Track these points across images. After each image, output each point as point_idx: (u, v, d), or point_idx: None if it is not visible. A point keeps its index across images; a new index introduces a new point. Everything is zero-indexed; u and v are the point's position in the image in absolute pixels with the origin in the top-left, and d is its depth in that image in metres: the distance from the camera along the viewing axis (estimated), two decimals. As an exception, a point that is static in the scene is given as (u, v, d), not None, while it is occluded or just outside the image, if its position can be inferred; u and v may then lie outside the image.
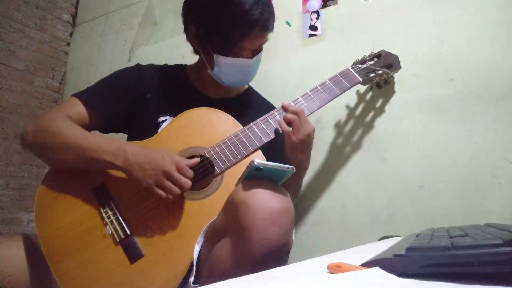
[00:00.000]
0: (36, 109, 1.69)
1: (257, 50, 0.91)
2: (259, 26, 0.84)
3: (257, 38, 0.87)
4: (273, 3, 1.27)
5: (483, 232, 0.46)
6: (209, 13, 0.85)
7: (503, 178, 0.86)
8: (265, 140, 0.86)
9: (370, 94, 1.07)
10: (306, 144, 0.85)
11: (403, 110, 1.01)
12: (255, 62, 0.91)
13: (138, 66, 0.99)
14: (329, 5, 1.18)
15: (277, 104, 1.08)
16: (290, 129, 0.83)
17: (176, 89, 0.98)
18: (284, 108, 0.86)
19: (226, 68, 0.89)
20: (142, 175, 0.75)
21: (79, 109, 0.89)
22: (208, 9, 0.85)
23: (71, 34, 1.88)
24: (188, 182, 0.76)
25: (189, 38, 0.94)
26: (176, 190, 0.75)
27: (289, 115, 0.83)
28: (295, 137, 0.82)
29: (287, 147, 0.86)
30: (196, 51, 0.97)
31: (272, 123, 0.87)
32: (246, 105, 1.03)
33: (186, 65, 1.05)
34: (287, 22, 1.25)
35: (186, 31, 0.94)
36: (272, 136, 0.86)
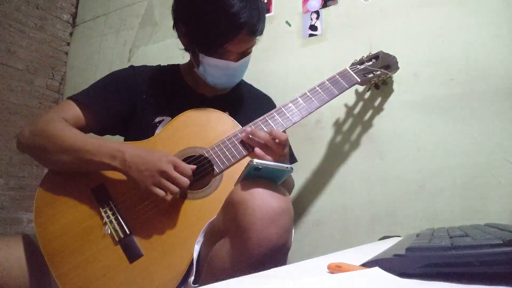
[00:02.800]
0: (36, 109, 1.69)
1: (244, 54, 0.90)
2: (245, 30, 0.83)
3: (243, 42, 0.86)
4: (273, 3, 1.26)
5: (483, 232, 0.46)
6: (197, 12, 0.85)
7: (503, 178, 0.86)
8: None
9: (370, 95, 1.07)
10: (286, 155, 0.87)
11: (403, 110, 1.01)
12: (241, 66, 0.90)
13: (132, 67, 0.99)
14: (329, 5, 1.18)
15: (277, 102, 1.08)
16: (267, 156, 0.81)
17: (171, 89, 0.98)
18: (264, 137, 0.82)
19: (210, 68, 0.89)
20: (139, 175, 0.75)
21: (75, 111, 0.88)
22: (196, 8, 0.85)
23: (71, 34, 1.88)
24: (186, 181, 0.75)
25: (179, 36, 0.94)
26: (174, 188, 0.75)
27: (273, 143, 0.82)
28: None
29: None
30: (186, 49, 0.97)
31: (271, 124, 0.87)
32: (241, 100, 1.03)
33: (179, 64, 1.04)
34: (287, 22, 1.25)
35: (175, 28, 0.93)
36: None
